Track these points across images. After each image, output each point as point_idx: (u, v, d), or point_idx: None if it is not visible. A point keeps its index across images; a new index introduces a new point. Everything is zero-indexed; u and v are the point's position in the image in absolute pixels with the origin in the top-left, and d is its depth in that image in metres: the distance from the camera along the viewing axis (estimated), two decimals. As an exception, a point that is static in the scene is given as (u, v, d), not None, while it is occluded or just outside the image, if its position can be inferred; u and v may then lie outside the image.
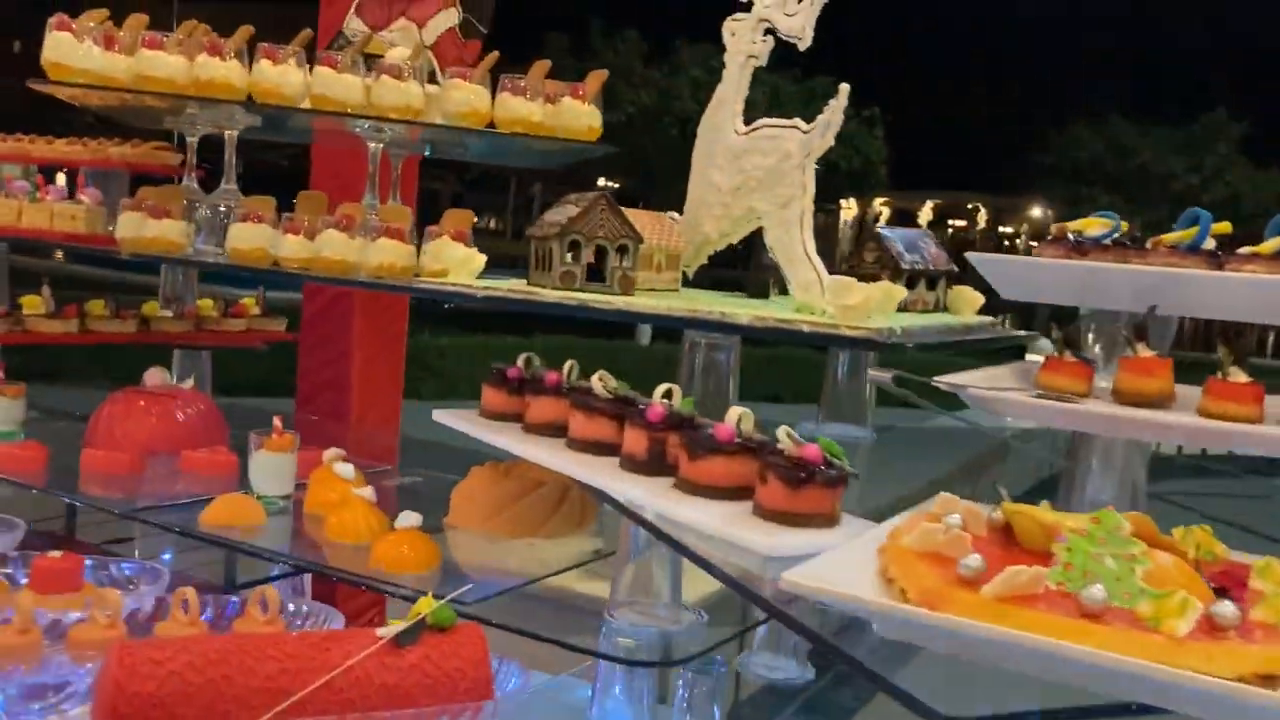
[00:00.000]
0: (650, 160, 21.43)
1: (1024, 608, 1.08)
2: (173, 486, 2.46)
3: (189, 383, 2.91)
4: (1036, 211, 35.22)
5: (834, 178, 22.01)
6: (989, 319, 2.24)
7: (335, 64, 2.21)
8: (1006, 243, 35.67)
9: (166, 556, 2.71)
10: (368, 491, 2.16)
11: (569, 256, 1.95)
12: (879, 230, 2.28)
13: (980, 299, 2.31)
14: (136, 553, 2.90)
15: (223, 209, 2.47)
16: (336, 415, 3.84)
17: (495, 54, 2.34)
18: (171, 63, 2.15)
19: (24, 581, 1.87)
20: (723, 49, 2.26)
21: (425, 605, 1.60)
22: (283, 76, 2.18)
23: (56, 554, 1.86)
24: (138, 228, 2.47)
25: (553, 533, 2.24)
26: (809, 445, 1.48)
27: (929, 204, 39.58)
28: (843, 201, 31.03)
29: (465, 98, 2.23)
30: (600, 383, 1.86)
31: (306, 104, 2.27)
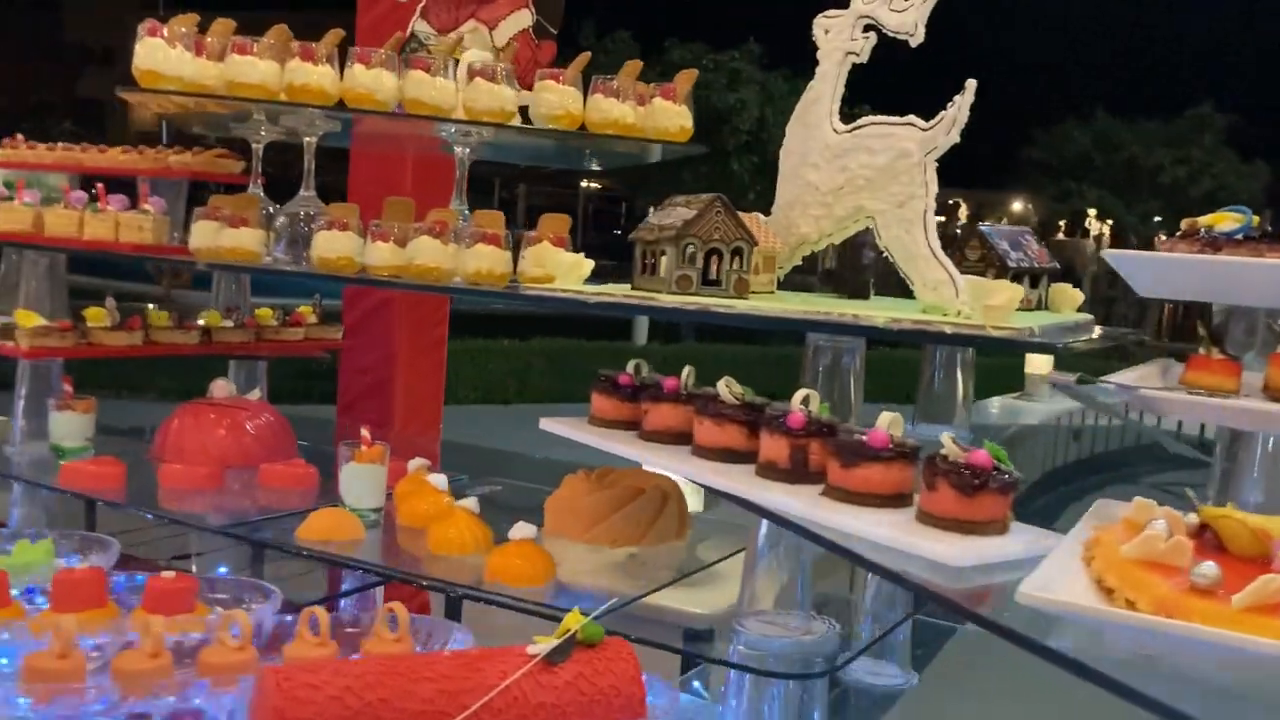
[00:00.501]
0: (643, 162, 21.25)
1: (1270, 616, 1.04)
2: (258, 501, 2.41)
3: (255, 393, 2.85)
4: (1018, 206, 35.33)
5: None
6: (1089, 316, 2.22)
7: (427, 67, 2.16)
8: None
9: (223, 570, 2.66)
10: (471, 502, 2.12)
11: (684, 260, 1.90)
12: (982, 229, 2.25)
13: (1080, 296, 2.28)
14: (194, 568, 2.85)
15: (302, 217, 2.41)
16: (380, 422, 3.79)
17: (586, 55, 2.30)
18: (263, 68, 2.10)
19: (135, 603, 1.81)
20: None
21: (574, 620, 1.56)
22: (376, 81, 2.12)
23: (170, 574, 1.81)
24: (213, 237, 2.42)
25: (653, 541, 2.20)
26: (977, 451, 1.44)
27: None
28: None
29: (559, 100, 2.19)
30: (727, 388, 1.82)
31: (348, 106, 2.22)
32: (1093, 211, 33.71)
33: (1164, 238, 1.81)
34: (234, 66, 2.10)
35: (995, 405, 13.41)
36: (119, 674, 1.56)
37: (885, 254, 1.98)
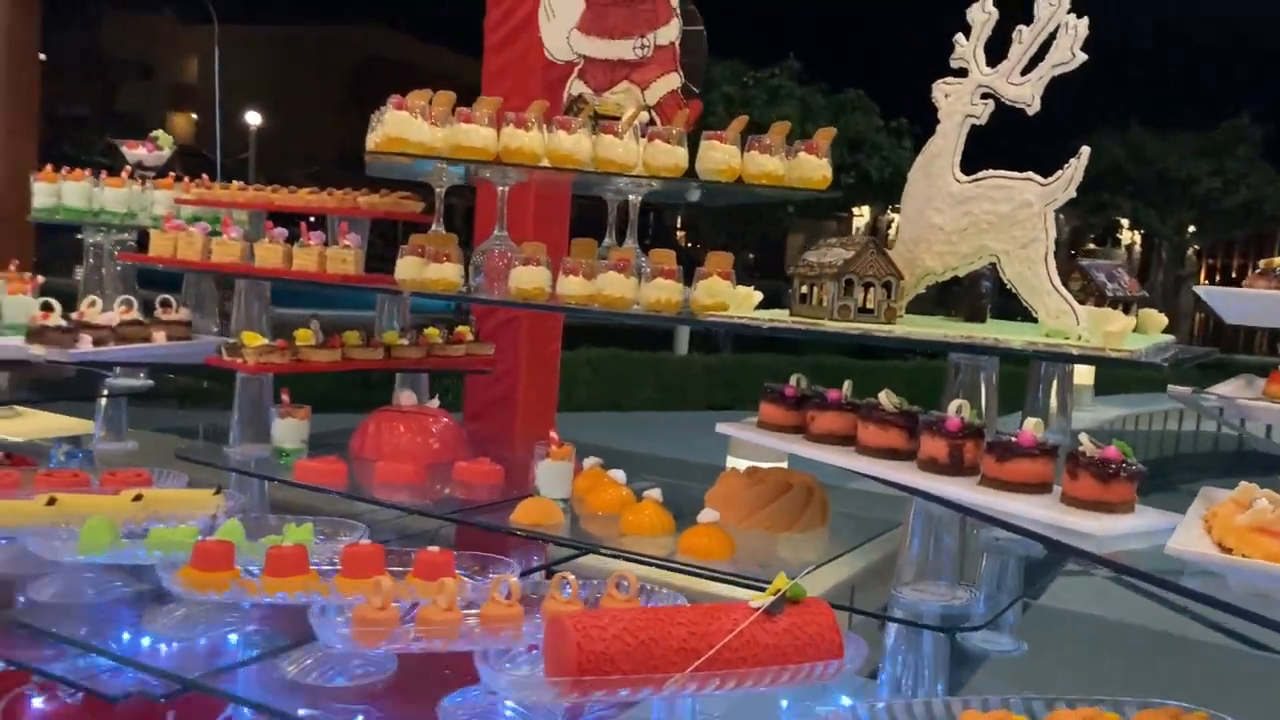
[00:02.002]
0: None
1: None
2: (461, 493, 2.84)
3: (434, 402, 3.29)
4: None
5: (867, 187, 22.40)
6: (1172, 337, 2.61)
7: (615, 131, 2.59)
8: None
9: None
10: (656, 493, 2.54)
11: (844, 292, 2.32)
12: (1082, 263, 2.66)
13: (1164, 320, 2.67)
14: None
15: (497, 253, 2.85)
16: (504, 427, 4.25)
17: (744, 119, 2.71)
18: (484, 134, 2.54)
19: (408, 571, 2.24)
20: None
21: (782, 583, 1.97)
22: (576, 144, 2.56)
23: (434, 549, 2.25)
24: (418, 270, 2.85)
25: (804, 528, 2.61)
26: (1108, 447, 1.85)
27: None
28: (854, 209, 31.38)
29: (723, 157, 2.61)
30: (887, 398, 2.23)
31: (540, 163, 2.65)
32: (1125, 222, 33.92)
33: (1252, 270, 2.21)
34: (459, 133, 2.54)
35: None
36: (424, 622, 1.99)
37: (1009, 286, 2.38)
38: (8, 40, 4.17)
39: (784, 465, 5.26)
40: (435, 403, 3.29)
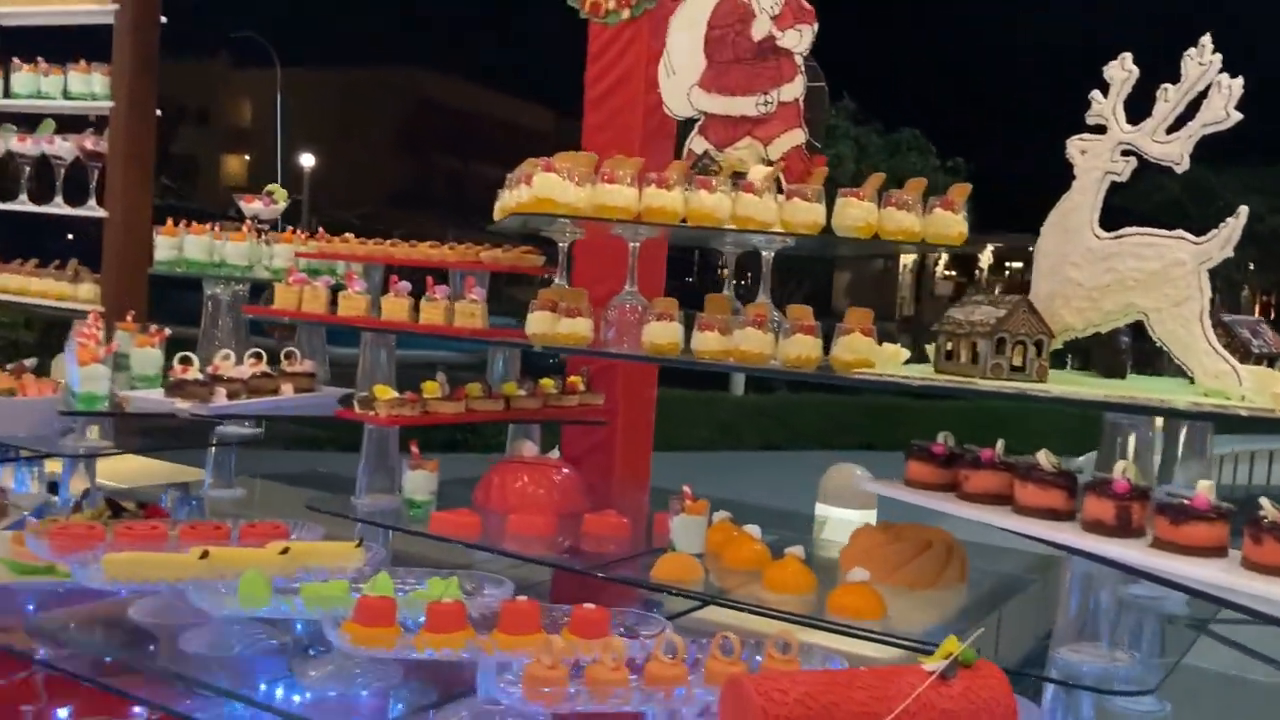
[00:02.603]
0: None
1: None
2: (592, 545, 2.86)
3: (554, 453, 3.32)
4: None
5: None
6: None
7: (754, 190, 2.62)
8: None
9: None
10: (799, 550, 2.54)
11: (997, 351, 2.32)
12: (1225, 320, 2.64)
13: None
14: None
15: (628, 308, 2.88)
16: (603, 472, 4.26)
17: (881, 176, 2.73)
18: (627, 194, 2.58)
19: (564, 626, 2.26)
20: None
21: (953, 646, 1.96)
22: (718, 204, 2.60)
23: (590, 606, 2.27)
24: (550, 325, 2.89)
25: (945, 585, 2.60)
26: (1292, 511, 1.83)
27: (989, 247, 39.92)
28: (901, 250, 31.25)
29: (861, 215, 2.63)
30: (1046, 458, 2.23)
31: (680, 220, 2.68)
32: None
33: None
34: (603, 193, 2.59)
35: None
36: (593, 682, 2.01)
37: (1159, 343, 2.38)
38: (129, 96, 4.30)
39: (872, 515, 5.24)
40: (555, 454, 3.32)
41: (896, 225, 2.67)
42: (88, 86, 4.43)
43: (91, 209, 4.51)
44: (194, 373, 3.11)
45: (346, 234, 3.90)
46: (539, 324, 2.92)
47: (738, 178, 2.84)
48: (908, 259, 34.48)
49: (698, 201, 2.61)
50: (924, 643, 2.14)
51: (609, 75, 4.44)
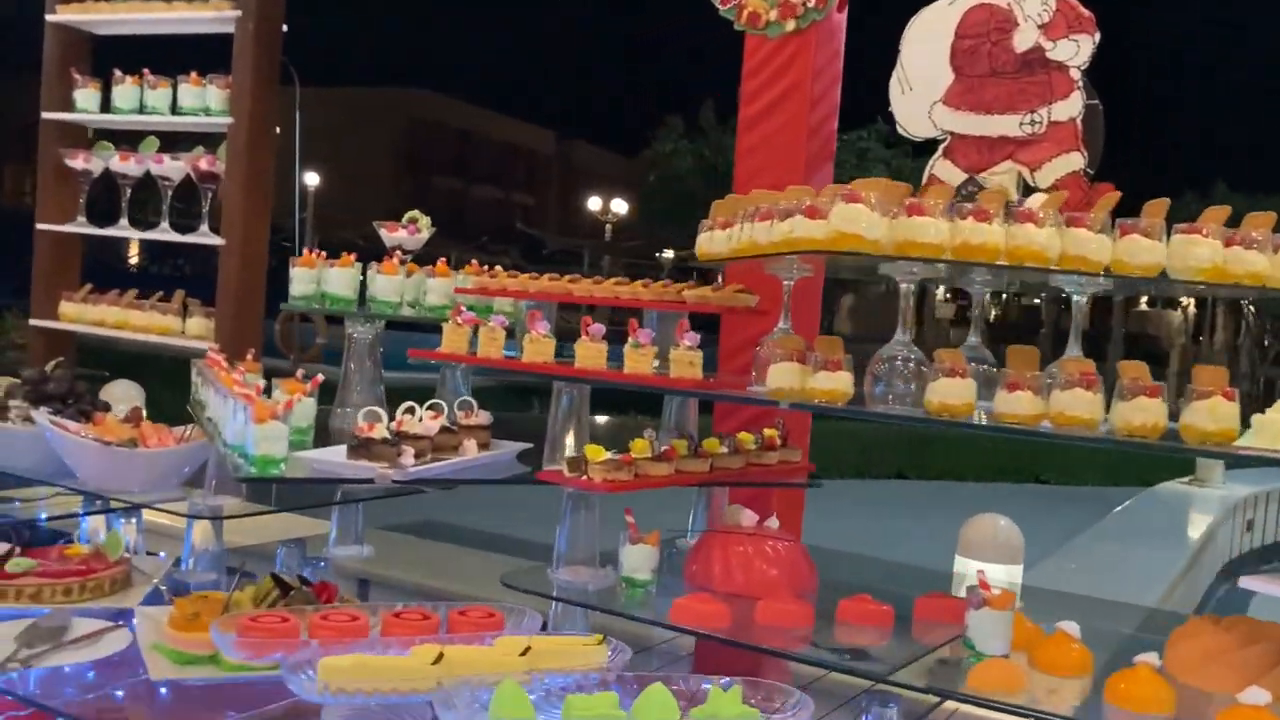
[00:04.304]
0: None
1: None
2: (855, 637, 2.45)
3: (773, 521, 2.90)
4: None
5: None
6: None
7: (1085, 224, 2.22)
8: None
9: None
10: (1073, 627, 2.16)
11: None
12: None
13: None
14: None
15: (899, 359, 2.48)
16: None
17: (1165, 200, 2.33)
18: (941, 228, 2.18)
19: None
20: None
21: None
22: (1049, 241, 2.19)
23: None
24: (799, 378, 2.49)
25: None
26: None
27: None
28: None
29: (1207, 254, 2.23)
30: None
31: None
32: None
33: None
34: (912, 227, 2.18)
35: (1176, 490, 13.14)
36: None
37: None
38: (250, 112, 3.90)
39: (1018, 571, 4.82)
40: (774, 522, 2.91)
41: (1245, 268, 2.26)
42: (200, 101, 4.01)
43: (205, 236, 4.09)
44: (381, 430, 2.68)
45: (487, 266, 3.51)
46: (786, 377, 2.52)
47: (1009, 207, 2.44)
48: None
49: (1025, 238, 2.20)
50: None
51: (768, 93, 4.05)
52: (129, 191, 4.22)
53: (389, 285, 3.38)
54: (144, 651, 2.60)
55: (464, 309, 3.16)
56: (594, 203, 40.35)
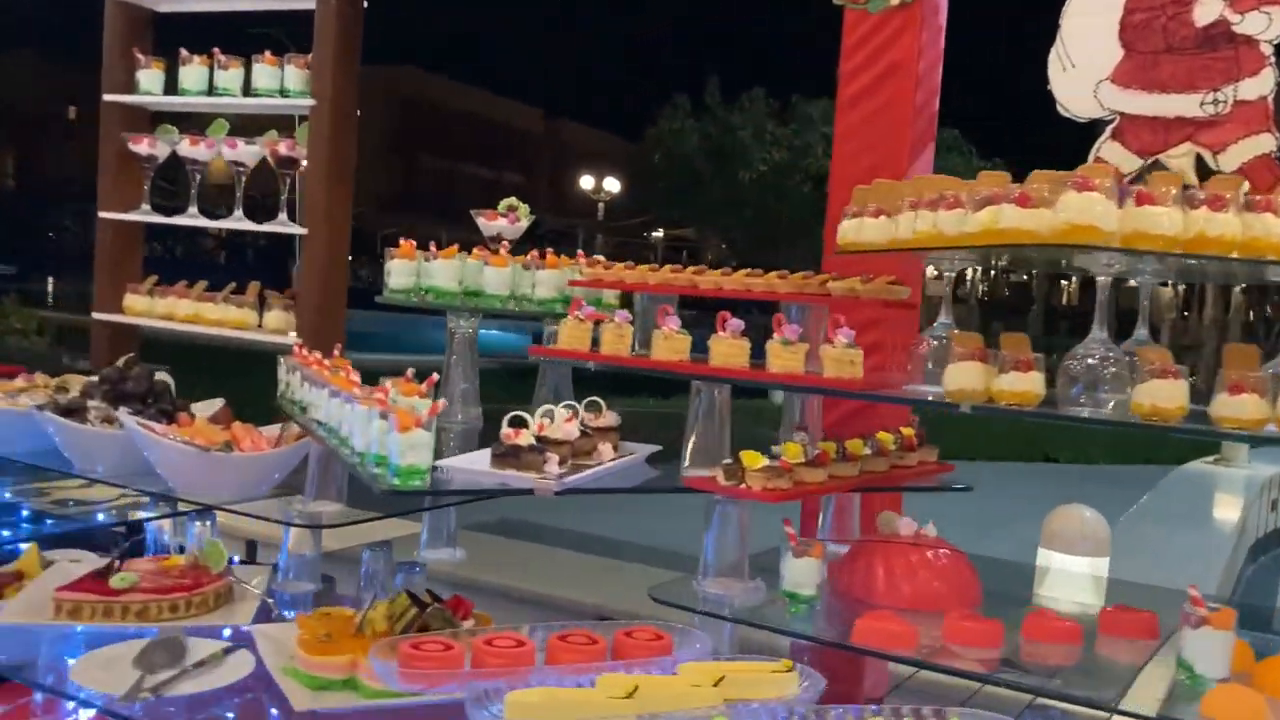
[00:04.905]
0: (777, 218, 21.34)
1: None
2: (1047, 657, 2.29)
3: (930, 528, 2.74)
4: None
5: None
6: None
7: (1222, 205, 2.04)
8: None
9: None
10: None
11: None
12: None
13: None
14: None
15: (1096, 358, 2.30)
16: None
17: None
18: (1173, 218, 2.00)
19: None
20: None
21: None
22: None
23: None
24: (982, 379, 2.31)
25: None
26: None
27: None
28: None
29: None
30: None
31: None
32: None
33: None
34: (1144, 217, 2.00)
35: (1204, 471, 13.04)
36: None
37: None
38: (334, 93, 3.67)
39: (1104, 563, 4.69)
40: (932, 529, 2.74)
41: None
42: (276, 82, 3.78)
43: (284, 224, 3.87)
44: (527, 436, 2.49)
45: (594, 257, 3.32)
46: (967, 377, 2.34)
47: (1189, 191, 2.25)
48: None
49: (1263, 227, 2.02)
50: None
51: (869, 71, 3.85)
52: (198, 178, 3.98)
53: (498, 278, 3.19)
54: (277, 677, 2.43)
55: (584, 303, 2.97)
56: (586, 181, 40.01)
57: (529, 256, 3.25)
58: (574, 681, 2.05)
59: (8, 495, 3.52)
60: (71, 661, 2.51)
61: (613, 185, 38.84)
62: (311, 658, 2.41)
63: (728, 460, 2.55)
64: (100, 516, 3.63)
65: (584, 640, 2.22)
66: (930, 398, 2.49)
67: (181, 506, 3.45)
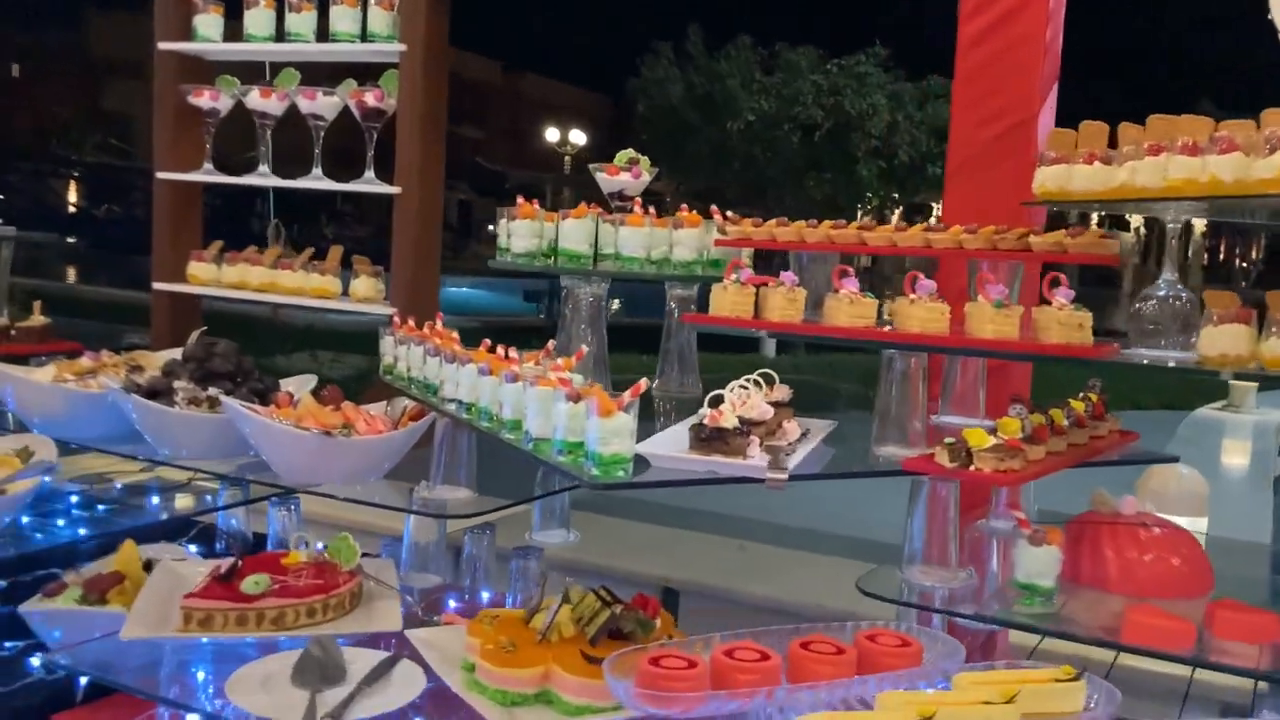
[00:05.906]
0: (763, 169, 21.00)
1: None
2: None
3: (1148, 504, 2.50)
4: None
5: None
6: None
7: None
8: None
9: None
10: None
11: None
12: None
13: None
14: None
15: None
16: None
17: None
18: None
19: None
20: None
21: None
22: None
23: None
24: (1244, 342, 2.08)
25: None
26: None
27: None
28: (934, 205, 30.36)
29: None
30: None
31: None
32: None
33: None
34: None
35: (1213, 417, 13.01)
36: None
37: None
38: (427, 47, 3.30)
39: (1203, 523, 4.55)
40: (1149, 505, 2.50)
41: None
42: (356, 26, 3.42)
43: (371, 183, 3.52)
44: (730, 419, 2.22)
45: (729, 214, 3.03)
46: (1230, 342, 2.11)
47: None
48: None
49: None
50: None
51: (994, 7, 3.57)
52: (267, 133, 3.62)
53: (634, 239, 2.89)
54: (461, 693, 2.16)
55: (745, 265, 2.69)
56: (551, 134, 39.19)
57: (674, 215, 2.96)
58: (841, 701, 1.80)
59: (73, 485, 3.22)
60: (203, 676, 2.27)
61: (579, 138, 38.17)
62: (498, 670, 2.15)
63: (950, 439, 2.30)
64: (185, 503, 3.35)
65: (831, 650, 1.97)
66: (1172, 363, 2.25)
67: (293, 494, 3.17)
